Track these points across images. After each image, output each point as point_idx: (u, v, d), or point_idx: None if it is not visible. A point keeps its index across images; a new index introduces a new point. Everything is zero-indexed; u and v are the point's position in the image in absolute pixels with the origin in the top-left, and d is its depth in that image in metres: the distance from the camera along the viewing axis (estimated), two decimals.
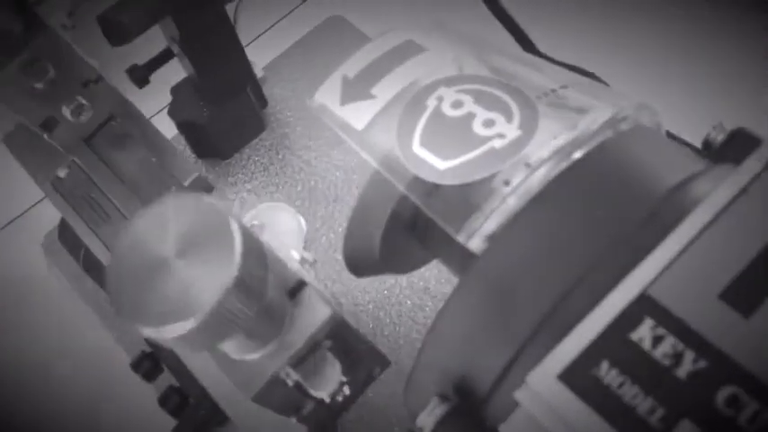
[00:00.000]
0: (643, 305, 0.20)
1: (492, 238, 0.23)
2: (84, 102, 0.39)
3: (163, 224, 0.23)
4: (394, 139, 0.25)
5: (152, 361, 0.39)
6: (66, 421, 0.50)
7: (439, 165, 0.24)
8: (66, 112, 0.38)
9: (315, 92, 0.27)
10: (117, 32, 0.41)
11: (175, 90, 0.52)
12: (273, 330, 0.27)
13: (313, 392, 0.28)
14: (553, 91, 0.27)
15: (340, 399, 0.30)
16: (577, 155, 0.24)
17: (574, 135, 0.24)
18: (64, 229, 0.48)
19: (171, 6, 0.42)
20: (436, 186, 0.24)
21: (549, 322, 0.22)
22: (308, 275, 0.28)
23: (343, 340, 0.29)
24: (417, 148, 0.25)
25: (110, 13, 0.41)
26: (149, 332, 0.22)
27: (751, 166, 0.21)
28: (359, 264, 0.31)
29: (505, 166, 0.23)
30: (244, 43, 0.52)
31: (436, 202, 0.24)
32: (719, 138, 0.26)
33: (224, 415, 0.37)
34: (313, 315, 0.27)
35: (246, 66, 0.51)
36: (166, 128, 0.51)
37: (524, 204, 0.23)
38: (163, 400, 0.38)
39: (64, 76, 0.37)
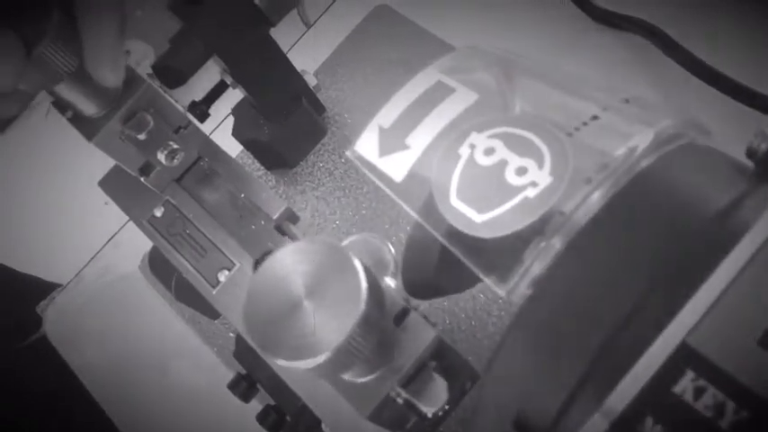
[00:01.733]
0: (683, 356, 0.20)
1: (535, 283, 0.24)
2: (176, 146, 0.41)
3: (291, 268, 0.26)
4: (432, 192, 0.26)
5: (248, 382, 0.42)
6: None
7: (476, 218, 0.25)
8: (160, 156, 0.41)
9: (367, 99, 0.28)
10: (172, 78, 0.43)
11: (236, 111, 0.54)
12: (385, 356, 0.29)
13: (423, 408, 0.30)
14: (593, 118, 0.26)
15: (440, 413, 0.32)
16: (614, 190, 0.24)
17: (607, 173, 0.24)
18: (154, 260, 0.51)
19: (216, 46, 0.43)
20: (476, 238, 0.25)
21: (598, 364, 0.22)
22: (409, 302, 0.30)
23: (443, 358, 0.31)
24: (455, 201, 0.25)
25: (163, 61, 0.43)
26: (284, 364, 0.25)
27: None
28: (418, 291, 0.32)
29: (539, 216, 0.23)
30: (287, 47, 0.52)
31: (478, 253, 0.25)
32: (764, 146, 0.25)
33: (320, 430, 0.40)
34: (419, 338, 0.30)
35: (299, 81, 0.52)
36: (228, 143, 0.53)
37: (563, 249, 0.24)
38: (261, 418, 0.41)
39: (159, 125, 0.39)
